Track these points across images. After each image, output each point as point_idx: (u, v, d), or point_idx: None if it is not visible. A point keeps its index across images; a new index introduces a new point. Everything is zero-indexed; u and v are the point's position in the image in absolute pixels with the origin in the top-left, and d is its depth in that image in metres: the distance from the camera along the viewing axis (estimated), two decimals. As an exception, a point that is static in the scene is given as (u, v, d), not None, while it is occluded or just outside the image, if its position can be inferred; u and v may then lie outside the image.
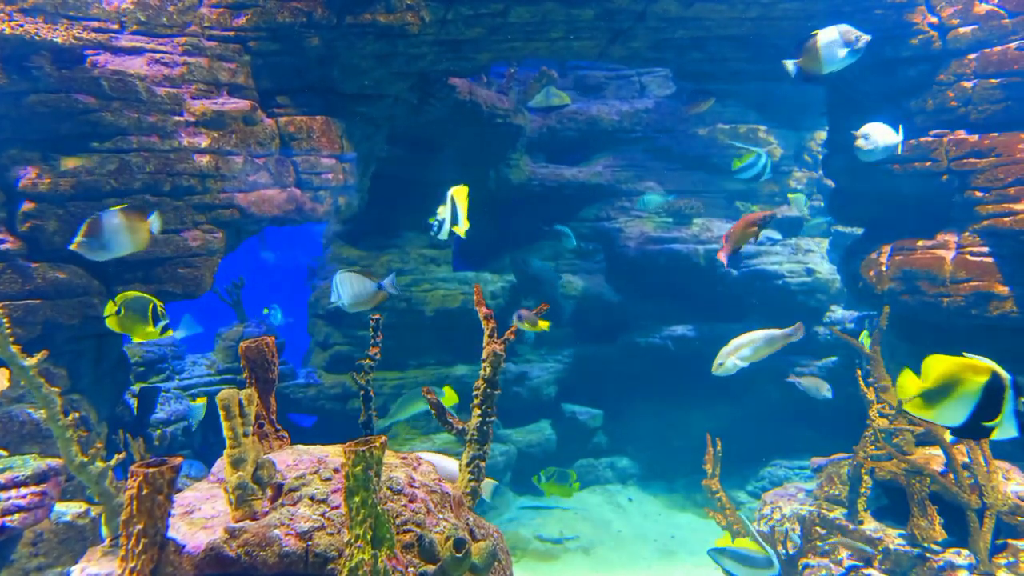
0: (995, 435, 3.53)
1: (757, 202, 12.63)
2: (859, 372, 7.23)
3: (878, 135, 7.41)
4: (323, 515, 3.26)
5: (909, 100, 8.15)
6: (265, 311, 13.36)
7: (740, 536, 7.15)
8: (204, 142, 6.99)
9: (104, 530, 4.40)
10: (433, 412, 4.50)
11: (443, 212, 6.35)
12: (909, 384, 3.67)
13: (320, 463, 3.55)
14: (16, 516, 5.22)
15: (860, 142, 7.45)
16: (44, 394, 4.22)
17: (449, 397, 9.19)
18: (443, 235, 6.38)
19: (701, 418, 10.78)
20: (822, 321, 11.70)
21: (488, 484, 5.04)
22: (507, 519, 10.84)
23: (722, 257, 6.98)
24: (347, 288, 6.87)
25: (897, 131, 7.44)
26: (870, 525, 6.74)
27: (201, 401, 9.34)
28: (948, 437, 6.30)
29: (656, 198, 12.12)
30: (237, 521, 3.22)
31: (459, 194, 6.39)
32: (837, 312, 11.72)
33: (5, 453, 5.95)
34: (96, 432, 6.81)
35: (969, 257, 7.62)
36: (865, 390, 7.06)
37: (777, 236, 12.37)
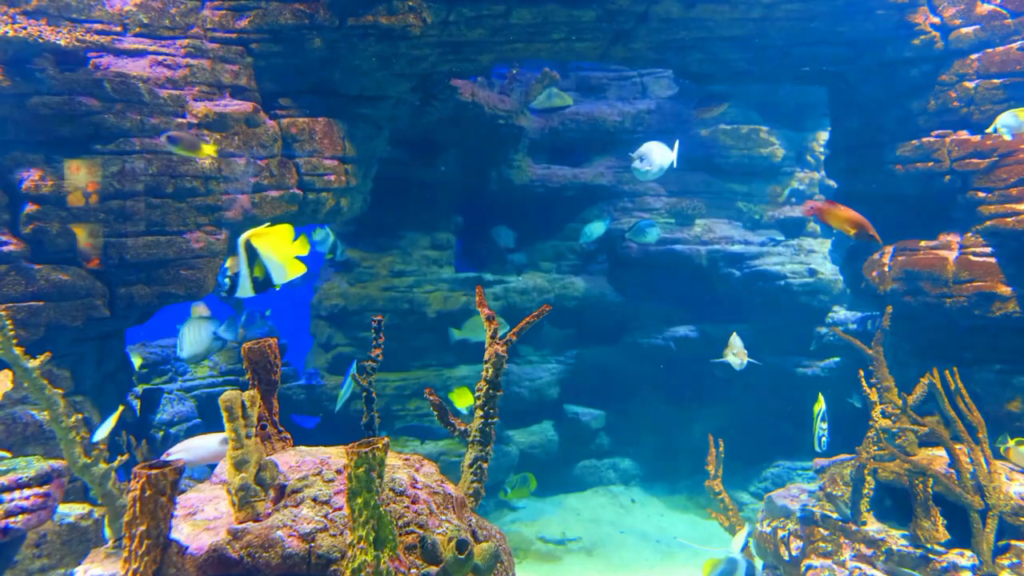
0: None
1: (760, 203, 12.62)
2: (861, 372, 7.22)
3: (655, 156, 7.85)
4: (326, 516, 3.26)
5: (911, 100, 8.14)
6: (268, 312, 13.36)
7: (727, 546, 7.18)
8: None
9: (107, 531, 4.41)
10: (435, 413, 4.51)
11: (234, 266, 4.79)
12: None
13: (323, 464, 3.56)
14: (19, 517, 5.23)
15: (636, 163, 7.81)
16: (47, 396, 4.23)
17: (465, 398, 9.04)
18: (242, 292, 4.76)
19: (704, 419, 10.78)
20: (824, 322, 11.68)
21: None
22: (509, 520, 10.84)
23: (809, 205, 7.14)
24: (184, 339, 6.63)
25: (673, 149, 7.87)
26: (873, 526, 6.72)
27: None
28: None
29: (599, 227, 11.70)
30: (240, 522, 3.23)
31: (266, 239, 4.70)
32: (840, 313, 11.70)
33: (8, 455, 5.96)
34: (99, 433, 6.82)
35: (972, 257, 7.61)
36: (868, 391, 7.05)
37: (780, 236, 12.36)
